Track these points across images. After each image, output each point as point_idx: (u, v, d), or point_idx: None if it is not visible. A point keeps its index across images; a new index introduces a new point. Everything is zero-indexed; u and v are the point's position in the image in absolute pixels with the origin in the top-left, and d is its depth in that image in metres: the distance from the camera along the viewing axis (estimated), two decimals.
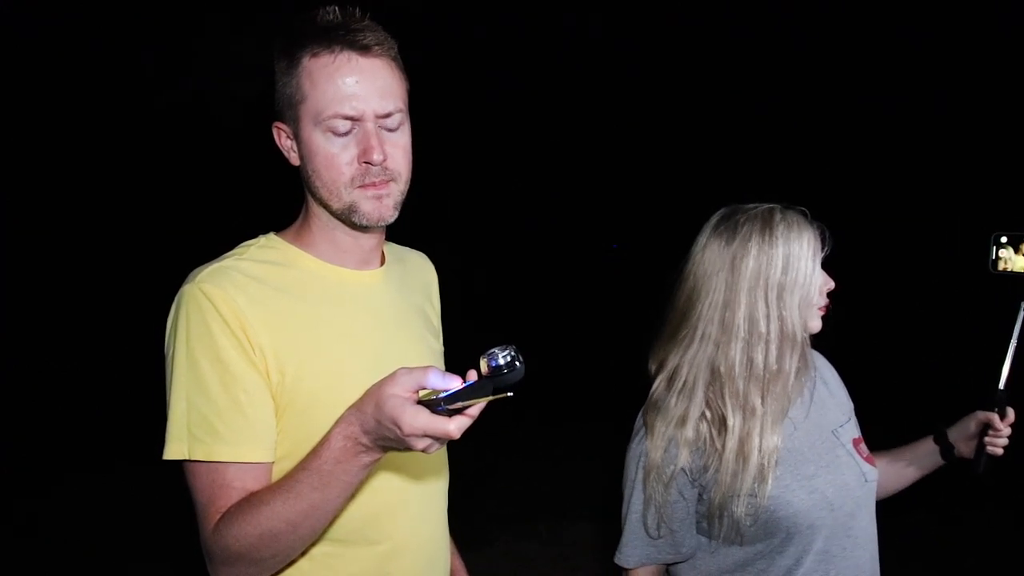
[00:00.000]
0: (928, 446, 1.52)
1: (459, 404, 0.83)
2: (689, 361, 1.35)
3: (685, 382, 1.35)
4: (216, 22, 6.47)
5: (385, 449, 0.92)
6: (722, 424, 1.32)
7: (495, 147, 9.43)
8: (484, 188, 9.85)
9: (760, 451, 1.30)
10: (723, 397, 1.32)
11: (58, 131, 7.80)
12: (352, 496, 1.03)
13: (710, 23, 7.88)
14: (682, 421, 1.33)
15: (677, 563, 1.43)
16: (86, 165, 8.18)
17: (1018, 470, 2.42)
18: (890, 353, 6.89)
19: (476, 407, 0.85)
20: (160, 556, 3.77)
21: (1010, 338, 1.45)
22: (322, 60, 1.07)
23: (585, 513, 4.19)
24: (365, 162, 1.08)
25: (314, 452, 0.94)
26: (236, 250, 1.15)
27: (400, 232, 1.33)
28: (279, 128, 1.15)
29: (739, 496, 1.29)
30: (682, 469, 1.33)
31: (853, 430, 1.45)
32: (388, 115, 1.09)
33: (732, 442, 1.30)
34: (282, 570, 1.07)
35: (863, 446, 1.44)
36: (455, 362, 0.95)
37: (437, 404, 0.84)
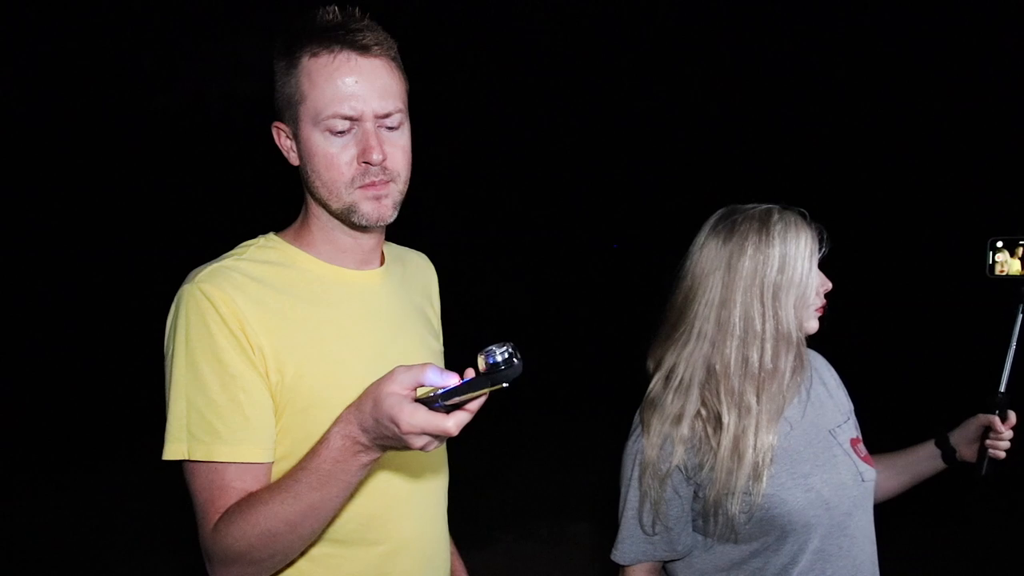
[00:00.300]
0: (929, 449, 1.52)
1: (456, 400, 0.83)
2: (686, 359, 1.36)
3: (681, 380, 1.36)
4: (216, 22, 6.47)
5: (384, 448, 0.92)
6: (717, 422, 1.32)
7: (495, 147, 9.42)
8: (484, 188, 9.85)
9: (755, 449, 1.31)
10: (719, 395, 1.33)
11: (57, 131, 7.80)
12: (351, 496, 1.03)
13: (710, 23, 7.89)
14: (678, 419, 1.34)
15: (673, 560, 1.43)
16: (86, 165, 8.18)
17: (1020, 473, 2.42)
18: (891, 356, 6.89)
19: (474, 403, 0.85)
20: (159, 556, 3.77)
21: (1009, 341, 1.46)
22: (321, 60, 1.07)
23: (585, 513, 4.19)
24: (364, 162, 1.08)
25: (313, 452, 0.94)
26: (235, 250, 1.15)
27: (400, 232, 1.33)
28: (279, 128, 1.15)
29: (734, 494, 1.30)
30: (677, 467, 1.34)
31: (851, 430, 1.45)
32: (388, 115, 1.09)
33: (727, 440, 1.31)
34: (282, 570, 1.07)
35: (861, 446, 1.44)
36: (455, 362, 0.95)
37: (434, 401, 0.84)
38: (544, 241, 10.45)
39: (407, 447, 0.87)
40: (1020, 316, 1.46)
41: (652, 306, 1.48)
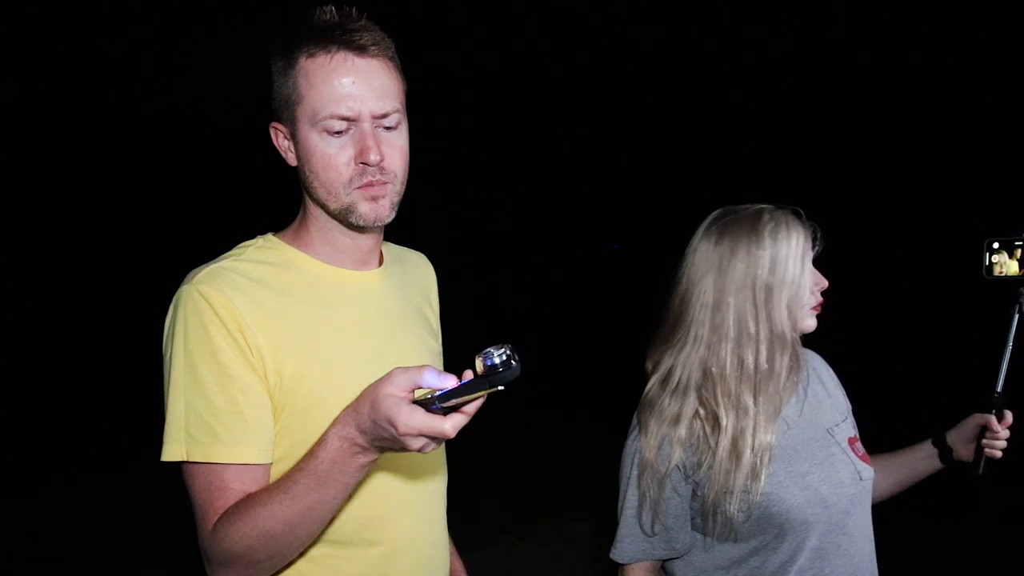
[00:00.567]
0: (927, 449, 1.53)
1: (453, 402, 0.83)
2: (682, 363, 1.37)
3: (679, 382, 1.37)
4: (216, 22, 6.47)
5: (382, 450, 0.91)
6: (715, 423, 1.33)
7: (495, 147, 9.42)
8: (484, 188, 9.85)
9: (753, 449, 1.31)
10: (716, 397, 1.34)
11: (57, 131, 7.80)
12: (350, 497, 1.03)
13: (711, 23, 7.88)
14: (676, 420, 1.35)
15: (672, 559, 1.44)
16: (86, 165, 8.18)
17: (1017, 473, 2.42)
18: (889, 356, 6.90)
19: (472, 406, 0.85)
20: (159, 556, 3.77)
21: (1006, 341, 1.47)
22: (318, 60, 1.06)
23: (584, 513, 4.19)
24: (362, 162, 1.07)
25: (311, 453, 0.94)
26: (234, 251, 1.15)
27: (399, 232, 1.33)
28: (276, 129, 1.15)
29: (732, 493, 1.31)
30: (676, 466, 1.35)
31: (849, 429, 1.46)
32: (385, 115, 1.09)
33: (725, 440, 1.31)
34: (281, 571, 1.06)
35: (859, 445, 1.45)
36: (454, 363, 0.94)
37: (432, 403, 0.84)
38: (544, 241, 10.45)
39: (404, 449, 0.87)
40: (1017, 317, 1.46)
41: (650, 307, 1.49)
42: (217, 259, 1.11)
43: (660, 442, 1.35)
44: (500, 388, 0.80)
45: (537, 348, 7.39)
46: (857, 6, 7.44)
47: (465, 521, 1.83)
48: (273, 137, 1.16)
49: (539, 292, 9.92)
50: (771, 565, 1.33)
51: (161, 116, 7.58)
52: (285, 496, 0.94)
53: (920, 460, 1.53)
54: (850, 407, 1.53)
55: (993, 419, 1.44)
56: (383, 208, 1.11)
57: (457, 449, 1.31)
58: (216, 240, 1.30)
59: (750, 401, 1.33)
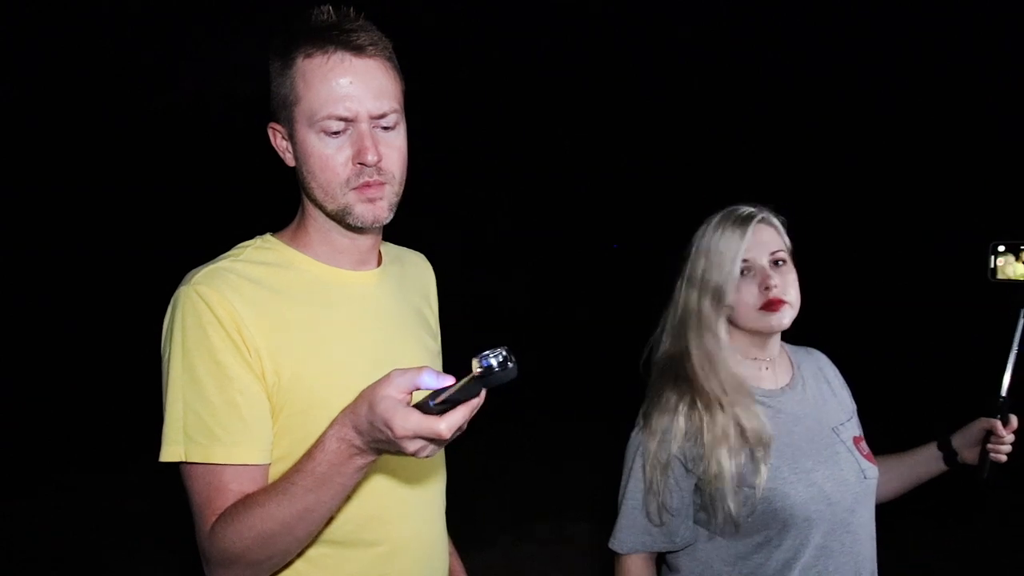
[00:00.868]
0: (931, 452, 1.54)
1: (444, 397, 0.83)
2: (674, 355, 1.45)
3: (677, 375, 1.43)
4: (215, 22, 6.47)
5: (379, 452, 0.91)
6: (706, 413, 1.38)
7: (494, 147, 9.42)
8: (483, 188, 9.85)
9: (742, 438, 1.35)
10: (697, 388, 1.40)
11: (57, 131, 7.79)
12: (349, 498, 1.03)
13: (712, 22, 7.88)
14: (675, 412, 1.39)
15: (674, 552, 1.45)
16: (86, 165, 8.17)
17: (1020, 475, 2.42)
18: (893, 359, 6.89)
19: (469, 407, 0.85)
20: (158, 556, 3.77)
21: (1011, 345, 1.47)
22: (316, 61, 1.06)
23: (584, 513, 4.19)
24: (359, 163, 1.07)
25: (309, 454, 0.94)
26: (232, 251, 1.15)
27: (398, 232, 1.33)
28: (274, 129, 1.15)
29: (731, 486, 1.34)
30: (677, 458, 1.38)
31: (854, 429, 1.48)
32: (383, 115, 1.09)
33: (716, 430, 1.36)
34: (279, 571, 1.06)
35: (864, 444, 1.46)
36: (453, 363, 0.95)
37: (426, 404, 0.84)
38: (544, 241, 10.45)
39: (401, 452, 0.87)
40: (1022, 320, 1.47)
41: (651, 307, 1.52)
42: (215, 260, 1.11)
43: (661, 434, 1.39)
44: (488, 379, 0.81)
45: (537, 348, 7.40)
46: (857, 6, 7.44)
47: (465, 521, 1.83)
48: (271, 137, 1.16)
49: (539, 292, 9.92)
50: (775, 561, 1.35)
51: (161, 116, 7.58)
52: (283, 497, 0.94)
53: (925, 462, 1.54)
54: (855, 407, 1.55)
55: (998, 424, 1.45)
56: (381, 209, 1.11)
57: (456, 449, 1.31)
58: (216, 240, 1.30)
59: (719, 390, 1.38)
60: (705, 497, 1.38)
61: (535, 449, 5.51)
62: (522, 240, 10.31)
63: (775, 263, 1.42)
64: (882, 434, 1.73)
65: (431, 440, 0.86)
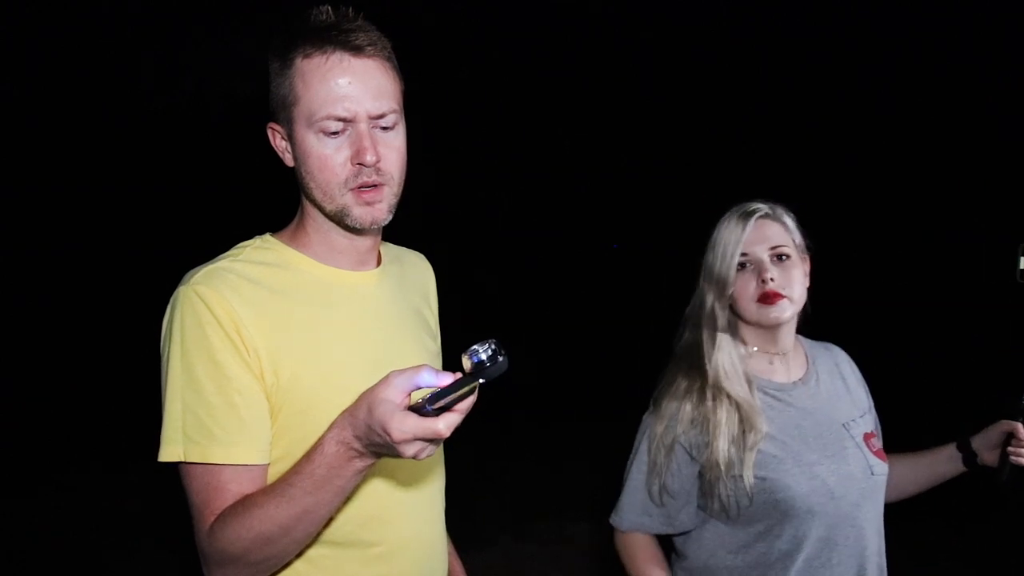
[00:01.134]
0: (951, 452, 1.55)
1: (444, 402, 0.83)
2: (689, 343, 1.51)
3: (690, 363, 1.48)
4: (215, 22, 6.47)
5: (377, 455, 0.91)
6: (712, 401, 1.42)
7: (494, 147, 9.42)
8: (483, 188, 9.85)
9: (742, 427, 1.39)
10: (706, 376, 1.45)
11: (57, 132, 7.79)
12: (348, 498, 1.03)
13: (712, 22, 7.87)
14: (683, 398, 1.45)
15: (678, 535, 1.51)
16: (85, 165, 8.17)
17: None
18: (913, 358, 6.85)
19: (465, 403, 0.85)
20: (157, 556, 3.77)
21: None
22: (314, 61, 1.06)
23: (584, 513, 4.19)
24: (358, 163, 1.07)
25: (307, 456, 0.94)
26: (232, 251, 1.15)
27: (399, 232, 1.33)
28: (273, 129, 1.15)
29: (729, 475, 1.38)
30: (681, 446, 1.44)
31: (866, 425, 1.51)
32: (382, 116, 1.08)
33: (720, 418, 1.40)
34: (278, 572, 1.06)
35: (875, 441, 1.49)
36: (453, 363, 0.94)
37: (423, 406, 0.84)
38: (544, 241, 10.45)
39: (399, 455, 0.87)
40: None
41: (650, 306, 1.56)
42: (214, 260, 1.11)
43: (668, 419, 1.45)
44: (481, 381, 0.82)
45: (537, 348, 7.40)
46: (857, 6, 7.43)
47: (464, 521, 1.83)
48: (270, 138, 1.16)
49: (539, 292, 9.92)
50: (777, 551, 1.38)
51: (161, 116, 7.58)
52: (281, 499, 0.94)
53: (944, 463, 1.56)
54: (871, 405, 1.58)
55: (1020, 427, 1.46)
56: (379, 212, 1.11)
57: (456, 449, 1.31)
58: (216, 240, 1.30)
59: (723, 377, 1.43)
60: (705, 484, 1.42)
61: (535, 449, 5.51)
62: (522, 240, 10.31)
63: (778, 257, 1.44)
64: (901, 433, 1.73)
65: (430, 441, 0.86)
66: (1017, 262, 1.50)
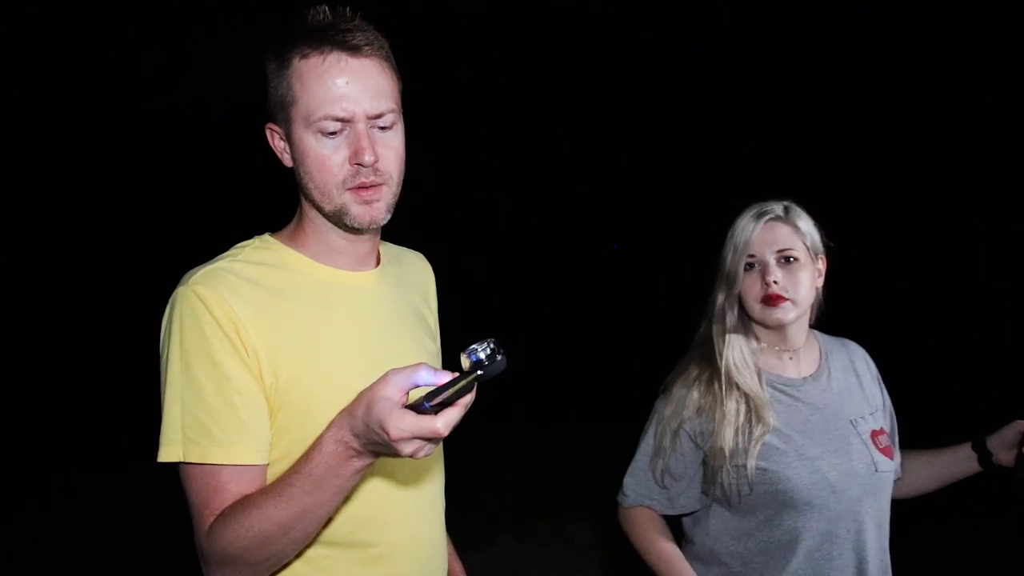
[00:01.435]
0: (966, 452, 1.57)
1: (441, 398, 0.83)
2: (704, 334, 1.57)
3: (703, 354, 1.54)
4: (215, 22, 6.47)
5: (376, 454, 0.91)
6: (720, 391, 1.48)
7: (494, 146, 9.42)
8: (483, 188, 9.84)
9: (748, 419, 1.44)
10: (716, 367, 1.50)
11: (57, 132, 7.79)
12: (347, 499, 1.03)
13: (712, 22, 7.87)
14: (692, 385, 1.51)
15: (674, 515, 1.56)
16: (85, 165, 8.17)
17: None
18: (930, 357, 6.82)
19: (463, 401, 0.85)
20: (156, 557, 3.77)
21: None
22: (312, 61, 1.06)
23: (584, 513, 4.19)
24: (356, 163, 1.07)
25: (306, 456, 0.94)
26: (231, 251, 1.15)
27: (398, 231, 1.33)
28: (272, 130, 1.15)
29: (732, 463, 1.44)
30: (687, 432, 1.50)
31: (876, 422, 1.53)
32: (380, 116, 1.09)
33: (727, 408, 1.45)
34: (278, 572, 1.06)
35: (883, 438, 1.51)
36: (453, 363, 0.94)
37: (421, 404, 0.84)
38: (544, 241, 10.45)
39: (397, 454, 0.87)
40: None
41: (655, 303, 1.59)
42: (213, 260, 1.11)
43: (677, 402, 1.51)
44: (479, 373, 0.82)
45: (537, 348, 7.40)
46: (858, 6, 7.42)
47: (464, 521, 1.83)
48: (269, 138, 1.16)
49: (538, 292, 9.91)
50: (778, 541, 1.44)
51: (161, 116, 7.57)
52: (280, 499, 0.94)
53: (959, 462, 1.58)
54: (886, 402, 1.61)
55: None
56: (377, 211, 1.11)
57: (456, 448, 1.31)
58: (215, 240, 1.30)
59: (735, 371, 1.48)
60: (708, 470, 1.48)
61: (535, 449, 5.51)
62: (522, 240, 10.31)
63: (785, 260, 1.47)
64: (916, 433, 1.74)
65: (428, 439, 0.86)
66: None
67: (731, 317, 1.52)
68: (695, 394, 1.50)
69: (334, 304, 1.15)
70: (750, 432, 1.43)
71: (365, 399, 0.88)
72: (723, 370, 1.48)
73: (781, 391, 1.50)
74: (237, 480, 1.01)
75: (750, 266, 1.49)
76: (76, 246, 8.38)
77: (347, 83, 1.06)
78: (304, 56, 1.06)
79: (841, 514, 1.42)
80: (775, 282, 1.46)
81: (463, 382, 0.82)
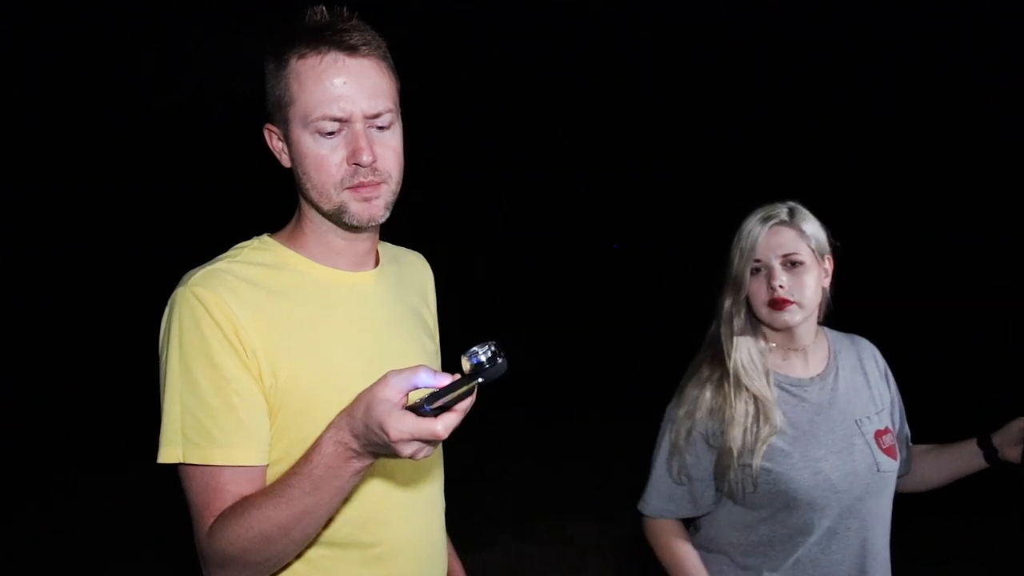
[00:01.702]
0: (972, 448, 1.58)
1: (442, 402, 0.83)
2: (715, 335, 1.59)
3: (714, 355, 1.57)
4: (215, 22, 6.47)
5: (375, 455, 0.91)
6: (731, 391, 1.50)
7: (495, 146, 9.41)
8: (482, 188, 9.84)
9: (756, 419, 1.47)
10: (726, 368, 1.52)
11: (57, 132, 7.79)
12: (347, 499, 1.03)
13: (712, 22, 7.86)
14: (704, 385, 1.54)
15: (696, 517, 1.59)
16: (86, 166, 8.17)
17: None
18: (937, 354, 6.82)
19: (463, 404, 0.85)
20: (156, 557, 3.77)
21: None
22: (309, 61, 1.06)
23: (584, 513, 4.19)
24: (354, 163, 1.07)
25: (306, 457, 0.94)
26: (230, 252, 1.15)
27: (398, 231, 1.33)
28: (270, 130, 1.15)
29: (739, 462, 1.46)
30: (699, 433, 1.52)
31: (880, 422, 1.54)
32: (377, 115, 1.08)
33: (736, 408, 1.48)
34: (277, 573, 1.06)
35: (887, 437, 1.53)
36: (452, 364, 0.94)
37: (421, 406, 0.84)
38: (544, 241, 10.45)
39: (396, 455, 0.87)
40: None
41: (655, 303, 1.59)
42: (212, 261, 1.11)
43: (690, 402, 1.54)
44: (480, 380, 0.82)
45: (536, 348, 7.40)
46: (858, 6, 7.42)
47: (464, 521, 1.83)
48: (267, 139, 1.16)
49: (538, 292, 9.91)
50: (780, 536, 1.48)
51: (161, 116, 7.58)
52: (280, 500, 0.94)
53: (965, 458, 1.59)
54: (895, 399, 1.62)
55: None
56: (376, 208, 1.11)
57: (456, 448, 1.31)
58: (215, 240, 1.30)
59: (742, 373, 1.51)
60: (718, 467, 1.51)
61: (535, 449, 5.50)
62: (522, 240, 10.31)
63: (790, 264, 1.49)
64: (921, 430, 1.74)
65: (427, 441, 0.86)
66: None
67: (739, 320, 1.55)
68: (707, 394, 1.53)
69: (333, 304, 1.15)
70: (757, 432, 1.46)
71: (364, 400, 0.88)
72: (732, 371, 1.51)
73: (788, 391, 1.53)
74: (237, 481, 1.01)
75: (756, 270, 1.51)
76: (76, 246, 8.38)
77: (344, 83, 1.06)
78: (302, 56, 1.06)
79: (842, 513, 1.45)
80: (780, 286, 1.48)
81: (464, 387, 0.82)
